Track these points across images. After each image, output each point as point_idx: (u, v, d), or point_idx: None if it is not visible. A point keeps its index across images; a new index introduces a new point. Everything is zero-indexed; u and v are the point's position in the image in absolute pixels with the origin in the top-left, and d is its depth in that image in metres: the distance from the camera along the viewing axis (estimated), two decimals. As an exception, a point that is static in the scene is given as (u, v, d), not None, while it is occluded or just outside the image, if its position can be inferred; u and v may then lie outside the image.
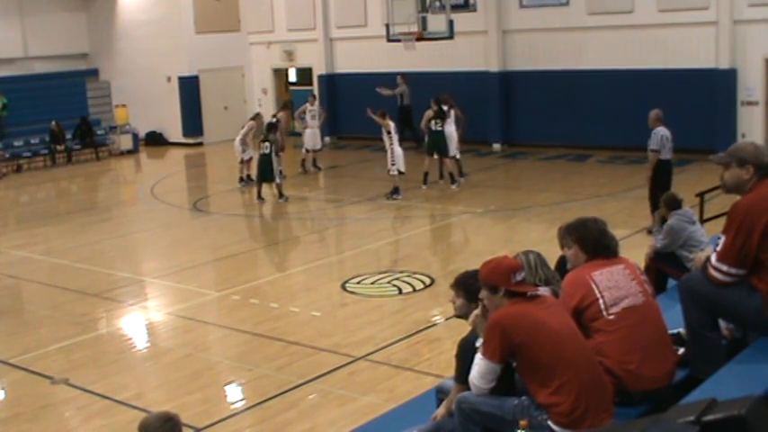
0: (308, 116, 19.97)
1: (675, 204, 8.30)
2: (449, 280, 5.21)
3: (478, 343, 4.58)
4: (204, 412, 7.60)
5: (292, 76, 27.25)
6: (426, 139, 17.42)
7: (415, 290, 10.87)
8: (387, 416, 6.08)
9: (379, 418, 6.18)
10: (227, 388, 8.39)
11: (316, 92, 24.57)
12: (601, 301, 4.75)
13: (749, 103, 18.55)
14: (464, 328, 4.99)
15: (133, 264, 13.45)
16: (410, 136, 21.10)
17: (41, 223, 16.65)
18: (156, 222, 16.47)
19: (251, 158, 18.44)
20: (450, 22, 19.43)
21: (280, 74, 27.10)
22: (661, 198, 8.93)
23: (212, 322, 10.45)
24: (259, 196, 17.04)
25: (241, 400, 8.13)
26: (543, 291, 4.85)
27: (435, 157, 17.34)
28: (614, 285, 4.80)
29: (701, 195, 11.70)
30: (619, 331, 4.70)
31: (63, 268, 13.07)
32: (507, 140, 22.00)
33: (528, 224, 14.38)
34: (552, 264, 5.91)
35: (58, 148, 23.92)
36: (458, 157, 17.46)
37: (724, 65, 18.52)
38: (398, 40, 19.72)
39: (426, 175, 17.32)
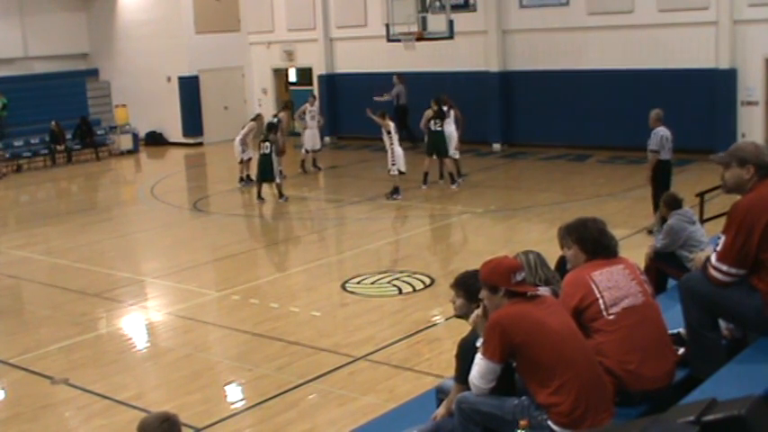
0: (307, 116, 19.98)
1: (676, 204, 8.30)
2: (449, 280, 5.21)
3: (479, 343, 4.58)
4: (204, 412, 7.60)
5: (292, 76, 27.26)
6: (426, 139, 17.42)
7: (415, 290, 10.88)
8: (387, 416, 6.08)
9: (379, 418, 6.18)
10: (227, 388, 8.39)
11: (316, 92, 24.58)
12: (601, 301, 4.75)
13: (749, 103, 18.55)
14: (464, 328, 4.99)
15: (133, 264, 13.45)
16: (406, 136, 21.10)
17: (41, 223, 16.64)
18: (156, 222, 16.47)
19: (250, 159, 18.44)
20: (450, 22, 19.44)
21: (280, 74, 27.11)
22: (661, 198, 8.94)
23: (212, 322, 10.45)
24: (259, 196, 17.04)
25: (241, 400, 8.13)
26: (543, 291, 4.85)
27: (435, 157, 17.34)
28: (614, 285, 4.80)
29: (700, 195, 11.70)
30: (619, 331, 4.69)
31: (63, 268, 13.07)
32: (507, 140, 22.00)
33: (528, 224, 14.38)
34: (552, 264, 5.91)
35: (58, 148, 23.93)
36: (456, 157, 17.46)
37: (724, 65, 18.52)
38: (398, 40, 19.72)
39: (426, 175, 17.32)
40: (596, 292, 4.76)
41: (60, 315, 10.77)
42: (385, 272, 11.76)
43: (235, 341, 9.58)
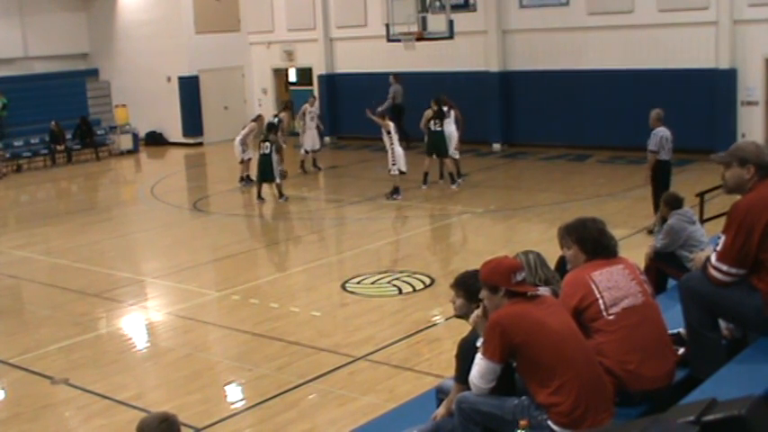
0: (307, 117, 19.97)
1: (676, 204, 8.29)
2: (449, 280, 5.21)
3: (479, 343, 4.58)
4: (204, 412, 7.61)
5: (292, 76, 27.26)
6: (426, 139, 17.41)
7: (415, 290, 10.87)
8: (387, 416, 6.08)
9: (379, 418, 6.18)
10: (227, 388, 8.39)
11: (316, 92, 24.59)
12: (600, 301, 4.75)
13: (749, 103, 18.55)
14: (464, 328, 4.99)
15: (133, 264, 13.45)
16: (400, 136, 21.01)
17: (41, 223, 16.64)
18: (156, 222, 16.47)
19: (251, 159, 18.43)
20: (451, 22, 19.43)
21: (280, 74, 27.11)
22: (661, 197, 8.93)
23: (212, 322, 10.45)
24: (259, 196, 17.04)
25: (241, 400, 8.13)
26: (543, 291, 4.85)
27: (435, 157, 17.35)
28: (614, 285, 4.80)
29: (700, 195, 11.70)
30: (618, 331, 4.69)
31: (63, 268, 13.07)
32: (507, 140, 22.00)
33: (528, 224, 14.38)
34: (552, 264, 5.91)
35: (58, 148, 23.93)
36: (456, 157, 17.46)
37: (724, 65, 18.52)
38: (398, 40, 19.71)
39: (426, 175, 17.32)
40: (596, 292, 4.76)
41: (60, 315, 10.77)
42: (385, 272, 11.76)
43: (235, 341, 9.58)
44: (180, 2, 25.36)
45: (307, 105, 20.11)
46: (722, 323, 5.12)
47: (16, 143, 23.69)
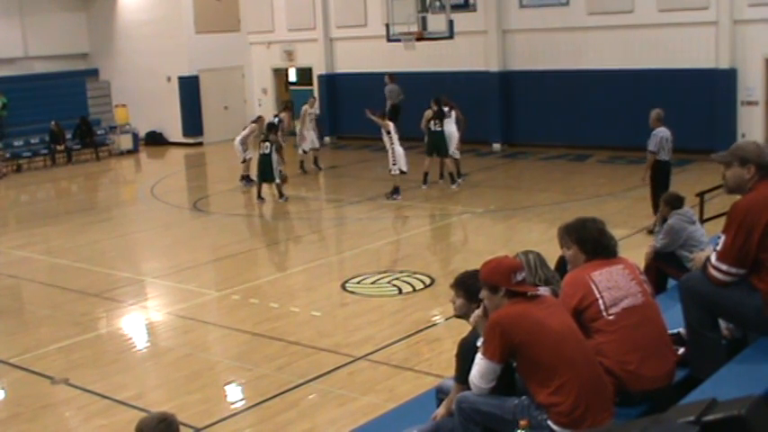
0: (307, 119, 19.93)
1: (677, 203, 8.28)
2: (449, 280, 5.21)
3: (479, 343, 4.58)
4: (204, 412, 7.61)
5: (292, 76, 27.26)
6: (426, 139, 17.41)
7: (415, 290, 10.87)
8: (387, 416, 6.08)
9: (379, 418, 6.18)
10: (227, 388, 8.39)
11: (316, 92, 24.59)
12: (600, 301, 4.75)
13: (749, 103, 18.55)
14: (464, 328, 4.99)
15: (133, 264, 13.45)
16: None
17: (41, 223, 16.64)
18: (156, 222, 16.47)
19: (251, 159, 18.43)
20: (450, 22, 19.44)
21: (280, 74, 27.11)
22: (661, 197, 8.93)
23: (212, 322, 10.45)
24: (259, 196, 17.04)
25: (241, 400, 8.13)
26: (543, 291, 4.85)
27: (435, 157, 17.35)
28: (614, 286, 4.80)
29: (700, 195, 11.70)
30: (618, 331, 4.69)
31: (63, 268, 13.07)
32: (507, 140, 22.00)
33: (528, 224, 14.38)
34: (552, 264, 5.91)
35: (58, 148, 23.93)
36: (457, 156, 17.47)
37: (724, 65, 18.52)
38: (398, 40, 19.71)
39: (426, 175, 17.33)
40: (596, 292, 4.76)
41: (60, 315, 10.77)
42: (385, 272, 11.76)
43: (235, 341, 9.57)
44: (180, 2, 25.36)
45: (306, 107, 20.07)
46: (722, 323, 5.12)
47: (16, 143, 23.69)
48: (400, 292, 10.83)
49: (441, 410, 4.88)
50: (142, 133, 26.25)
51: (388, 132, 16.41)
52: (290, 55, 26.14)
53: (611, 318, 4.72)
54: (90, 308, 10.99)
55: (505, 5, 21.52)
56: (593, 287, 4.77)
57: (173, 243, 14.76)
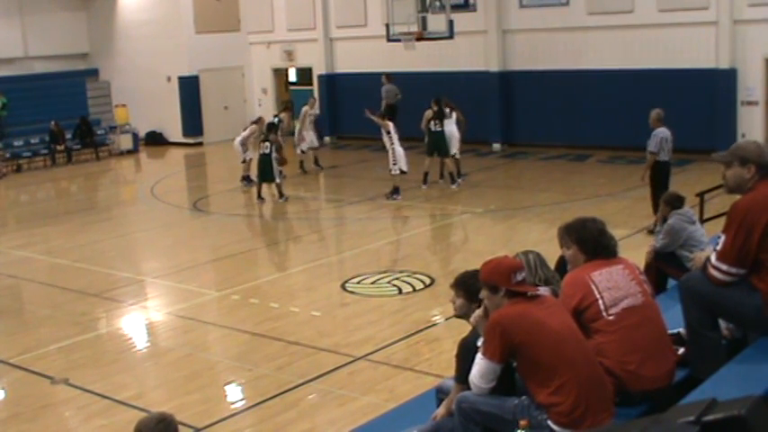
0: (307, 120, 19.92)
1: (677, 203, 8.27)
2: (449, 280, 5.21)
3: (479, 343, 4.58)
4: (204, 412, 7.61)
5: (292, 76, 27.26)
6: (426, 139, 17.41)
7: (415, 290, 10.87)
8: (387, 416, 6.08)
9: (379, 418, 6.18)
10: (227, 388, 8.39)
11: (315, 92, 24.58)
12: (600, 301, 4.74)
13: (749, 103, 18.55)
14: (464, 328, 4.99)
15: (133, 264, 13.45)
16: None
17: (41, 223, 16.64)
18: (156, 222, 16.47)
19: (251, 159, 18.42)
20: (450, 22, 19.44)
21: (280, 74, 27.11)
22: (661, 197, 8.92)
23: (212, 322, 10.45)
24: (259, 196, 17.04)
25: (241, 400, 8.13)
26: (543, 291, 4.85)
27: (435, 157, 17.35)
28: (614, 286, 4.79)
29: (700, 195, 11.70)
30: (618, 332, 4.69)
31: (63, 268, 13.07)
32: (507, 140, 21.99)
33: (528, 224, 14.38)
34: (552, 264, 5.91)
35: (58, 148, 23.93)
36: (457, 156, 17.47)
37: (724, 65, 18.51)
38: (398, 40, 19.72)
39: (426, 175, 17.33)
40: (596, 292, 4.76)
41: (60, 315, 10.77)
42: (385, 272, 11.76)
43: (235, 341, 9.57)
44: (180, 2, 25.35)
45: (306, 107, 20.05)
46: (722, 323, 5.12)
47: (16, 143, 23.69)
48: (400, 292, 10.83)
49: (441, 410, 4.88)
50: (142, 133, 26.25)
51: (388, 132, 16.41)
52: (289, 55, 26.14)
53: (611, 318, 4.72)
54: (90, 308, 10.99)
55: (505, 5, 21.52)
56: (593, 287, 4.77)
57: (173, 243, 14.76)
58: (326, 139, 24.57)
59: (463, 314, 4.90)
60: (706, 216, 11.16)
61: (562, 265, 6.05)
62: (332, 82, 25.08)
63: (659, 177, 12.61)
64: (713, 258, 4.84)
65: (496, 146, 21.92)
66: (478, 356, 4.52)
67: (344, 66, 24.89)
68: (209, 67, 25.81)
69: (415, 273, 11.52)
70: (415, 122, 17.93)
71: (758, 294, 4.75)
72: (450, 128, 17.21)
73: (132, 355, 9.49)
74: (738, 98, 18.58)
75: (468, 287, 4.81)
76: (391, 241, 14.10)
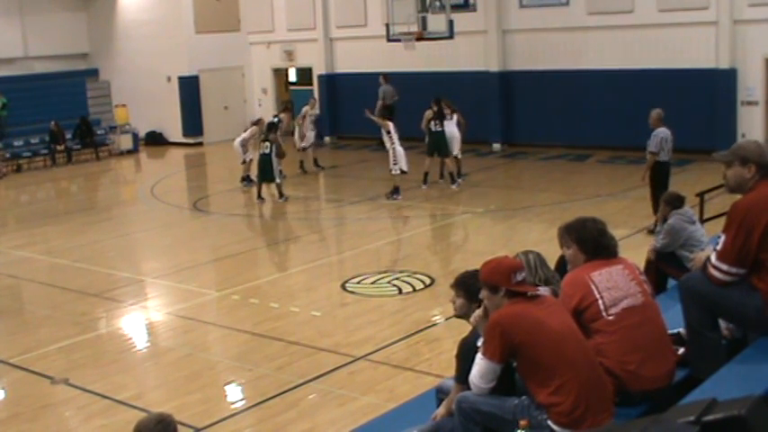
0: (307, 120, 19.90)
1: (677, 203, 8.27)
2: (449, 280, 5.21)
3: (479, 343, 4.58)
4: (204, 412, 7.61)
5: (292, 76, 27.26)
6: (426, 139, 17.41)
7: (415, 290, 10.87)
8: (387, 416, 6.08)
9: (379, 418, 6.18)
10: (227, 388, 8.39)
11: (316, 93, 24.58)
12: (600, 301, 4.74)
13: (749, 103, 18.55)
14: (464, 328, 4.99)
15: (133, 264, 13.45)
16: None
17: (41, 223, 16.64)
18: (156, 222, 16.47)
19: (252, 159, 18.41)
20: (450, 22, 19.43)
21: (280, 74, 27.10)
22: (662, 197, 8.92)
23: (212, 322, 10.45)
24: (259, 196, 17.04)
25: (241, 400, 8.13)
26: (543, 291, 4.85)
27: (436, 157, 17.35)
28: (613, 286, 4.79)
29: (700, 195, 11.70)
30: (618, 332, 4.69)
31: (63, 268, 13.07)
32: (507, 140, 21.99)
33: (528, 224, 14.38)
34: (552, 264, 5.91)
35: (58, 148, 23.92)
36: (459, 156, 17.48)
37: (724, 65, 18.52)
38: (398, 40, 19.71)
39: (426, 175, 17.32)
40: (596, 292, 4.76)
41: (60, 315, 10.77)
42: (385, 272, 11.76)
43: (235, 341, 9.57)
44: (180, 2, 25.35)
45: (307, 108, 20.03)
46: (722, 323, 5.12)
47: (16, 143, 23.68)
48: (400, 292, 10.83)
49: (441, 410, 4.88)
50: (142, 133, 26.25)
51: (388, 132, 16.42)
52: (289, 55, 26.14)
53: (610, 318, 4.72)
54: (90, 308, 10.99)
55: (505, 5, 21.52)
56: (593, 287, 4.77)
57: (173, 243, 14.76)
58: (326, 139, 24.58)
59: (463, 314, 4.90)
60: (706, 216, 11.16)
61: (562, 265, 6.05)
62: (332, 82, 25.08)
63: (659, 177, 12.62)
64: (713, 258, 4.84)
65: (496, 146, 21.91)
66: (478, 356, 4.52)
67: (344, 66, 24.89)
68: (209, 67, 25.81)
69: (415, 273, 11.52)
70: (414, 123, 17.92)
71: (758, 294, 4.75)
72: (451, 129, 17.21)
73: (132, 355, 9.49)
74: (738, 98, 18.59)
75: (469, 287, 4.81)
76: (391, 241, 14.10)
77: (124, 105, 25.86)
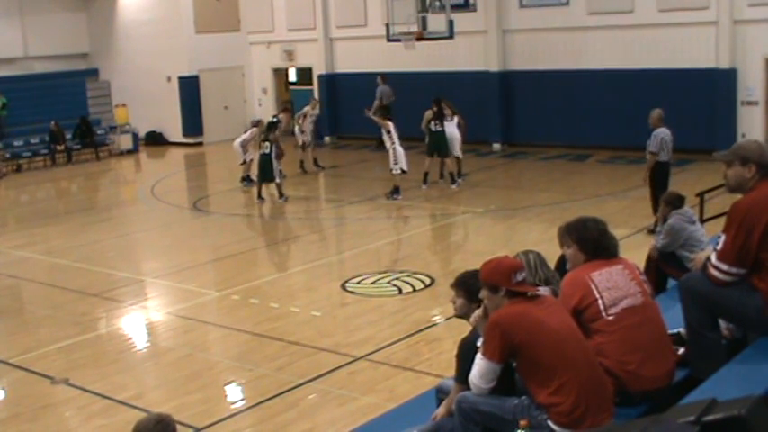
0: (308, 120, 19.90)
1: (677, 203, 8.27)
2: (449, 280, 5.20)
3: (479, 343, 4.58)
4: (204, 412, 7.61)
5: (292, 76, 27.25)
6: (426, 139, 17.42)
7: (415, 290, 10.87)
8: (387, 416, 6.08)
9: (379, 418, 6.18)
10: (227, 388, 8.39)
11: (316, 93, 24.57)
12: (600, 301, 4.74)
13: (749, 103, 18.55)
14: (464, 328, 4.99)
15: (133, 264, 13.45)
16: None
17: (41, 223, 16.64)
18: (156, 222, 16.47)
19: (252, 160, 18.41)
20: (450, 22, 19.43)
21: (280, 74, 27.10)
22: (662, 197, 8.92)
23: (212, 322, 10.45)
24: (259, 196, 17.04)
25: (241, 400, 8.13)
26: (543, 291, 4.85)
27: (436, 157, 17.35)
28: (613, 286, 4.79)
29: (701, 195, 11.70)
30: (618, 332, 4.69)
31: (63, 268, 13.07)
32: (507, 140, 21.99)
33: (528, 224, 14.38)
34: (552, 264, 5.91)
35: (58, 148, 23.92)
36: (460, 156, 17.48)
37: (724, 65, 18.52)
38: (398, 40, 19.71)
39: (426, 175, 17.32)
40: (595, 292, 4.76)
41: (60, 315, 10.77)
42: (385, 272, 11.76)
43: (235, 341, 9.57)
44: (180, 2, 25.34)
45: (308, 108, 20.02)
46: (722, 323, 5.12)
47: (16, 143, 23.69)
48: (400, 292, 10.83)
49: (441, 410, 4.88)
50: (142, 133, 26.24)
51: (388, 132, 16.42)
52: (289, 55, 26.14)
53: (610, 318, 4.72)
54: (90, 308, 10.99)
55: (505, 5, 21.52)
56: (593, 287, 4.77)
57: (173, 243, 14.76)
58: (326, 138, 24.58)
59: (463, 314, 4.90)
60: (706, 216, 11.16)
61: (562, 265, 6.05)
62: (332, 82, 25.08)
63: (659, 177, 12.61)
64: (713, 258, 4.83)
65: (496, 146, 21.91)
66: (478, 356, 4.52)
67: (344, 66, 24.89)
68: (209, 67, 25.80)
69: (415, 273, 11.52)
70: (414, 123, 17.92)
71: (758, 294, 4.75)
72: (452, 129, 17.22)
73: (132, 355, 9.49)
74: (738, 98, 18.59)
75: (469, 287, 4.81)
76: (391, 241, 14.10)
77: (124, 105, 25.86)
